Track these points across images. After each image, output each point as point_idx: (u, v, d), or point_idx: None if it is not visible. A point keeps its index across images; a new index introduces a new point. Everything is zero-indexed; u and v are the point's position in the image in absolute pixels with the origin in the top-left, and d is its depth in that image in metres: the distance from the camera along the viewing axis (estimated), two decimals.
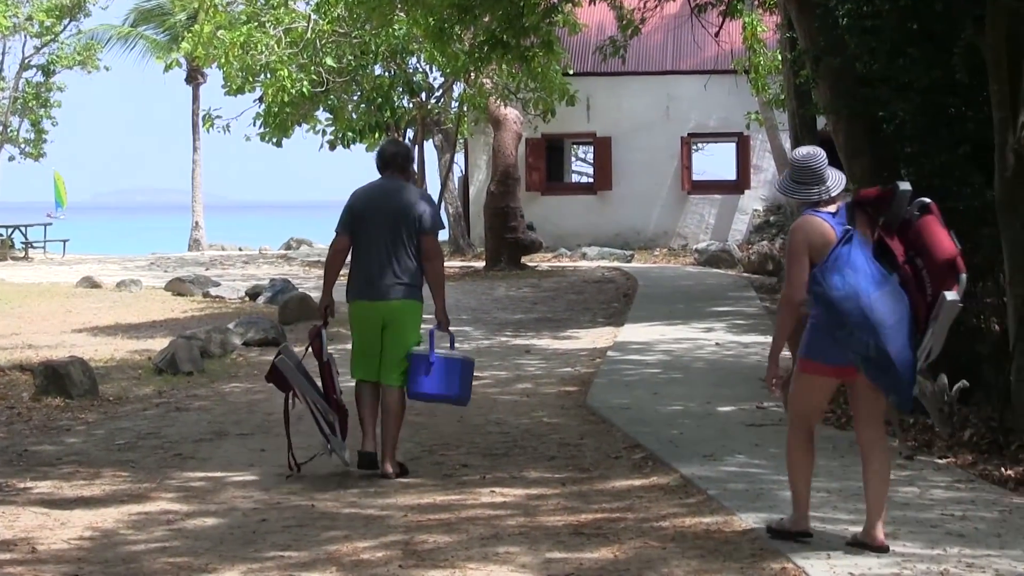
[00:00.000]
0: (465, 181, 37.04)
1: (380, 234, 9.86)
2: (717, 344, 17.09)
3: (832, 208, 7.63)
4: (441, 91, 34.37)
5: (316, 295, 21.66)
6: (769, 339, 17.68)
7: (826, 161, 7.74)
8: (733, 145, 36.29)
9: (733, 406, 12.27)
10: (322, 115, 32.87)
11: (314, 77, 30.28)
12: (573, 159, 44.34)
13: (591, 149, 38.88)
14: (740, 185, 35.09)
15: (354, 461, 9.89)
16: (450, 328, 10.13)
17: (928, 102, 11.94)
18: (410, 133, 34.58)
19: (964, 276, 7.52)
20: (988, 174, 10.88)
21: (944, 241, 7.51)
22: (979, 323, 12.82)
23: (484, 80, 29.64)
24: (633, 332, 18.71)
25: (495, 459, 10.48)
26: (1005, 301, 11.10)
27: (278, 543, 7.96)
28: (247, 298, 24.64)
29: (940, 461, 10.15)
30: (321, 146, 33.20)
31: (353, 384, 10.11)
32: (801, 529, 7.68)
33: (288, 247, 42.54)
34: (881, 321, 7.39)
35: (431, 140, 35.99)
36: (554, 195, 36.31)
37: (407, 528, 8.25)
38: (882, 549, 7.43)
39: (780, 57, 22.30)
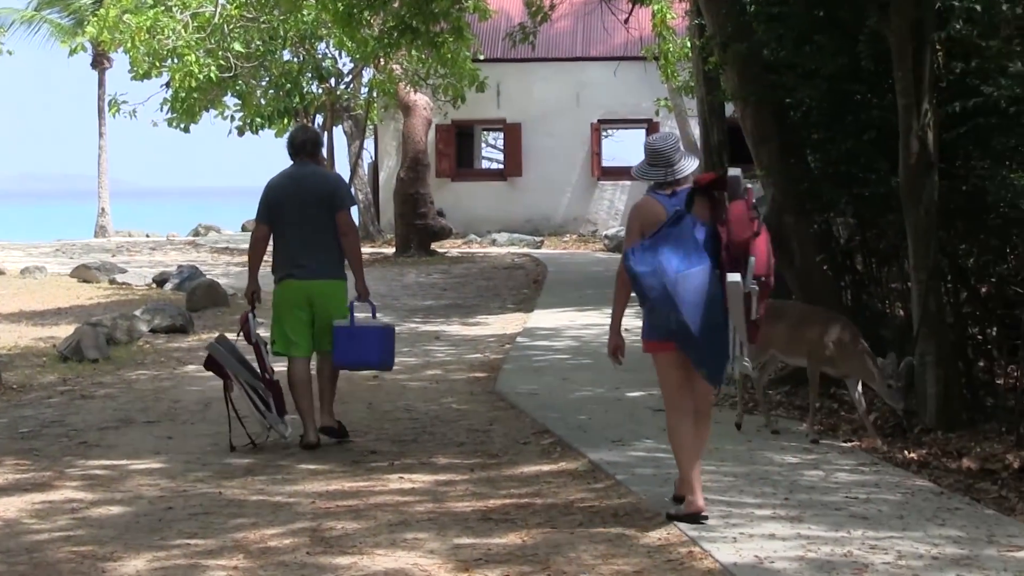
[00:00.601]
0: (375, 167, 36.91)
1: (299, 218, 10.41)
2: (626, 330, 17.04)
3: (669, 191, 8.00)
4: (350, 77, 34.20)
5: (224, 281, 21.68)
6: None
7: (678, 146, 8.11)
8: (643, 131, 36.40)
9: (641, 391, 12.30)
10: (230, 100, 32.57)
11: (222, 62, 30.00)
12: (483, 145, 44.33)
13: (501, 135, 38.85)
14: None
15: (292, 436, 10.49)
16: (370, 299, 10.72)
17: (834, 89, 12.03)
18: (319, 119, 34.37)
19: (752, 259, 7.82)
20: (893, 161, 10.98)
21: (741, 225, 7.86)
22: (884, 308, 12.96)
23: (394, 66, 29.52)
24: (542, 318, 18.74)
25: (404, 445, 10.46)
26: (909, 286, 11.22)
27: (184, 531, 7.90)
28: (154, 285, 24.41)
29: (845, 445, 10.26)
30: (230, 132, 32.91)
31: (286, 368, 10.69)
32: (695, 511, 7.84)
33: (196, 233, 42.20)
34: (684, 299, 7.75)
35: (340, 126, 35.81)
36: (464, 181, 36.27)
37: (315, 515, 8.22)
38: (682, 502, 7.88)
39: (689, 44, 22.37)
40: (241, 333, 10.60)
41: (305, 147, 10.61)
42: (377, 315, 10.98)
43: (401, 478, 9.25)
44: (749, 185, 8.02)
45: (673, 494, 8.16)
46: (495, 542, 7.51)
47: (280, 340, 10.58)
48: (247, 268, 10.86)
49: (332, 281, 10.47)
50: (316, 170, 10.69)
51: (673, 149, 8.03)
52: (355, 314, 10.58)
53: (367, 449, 10.31)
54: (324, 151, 9.95)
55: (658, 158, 8.02)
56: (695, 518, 7.79)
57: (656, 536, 7.54)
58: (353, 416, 11.60)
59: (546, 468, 9.52)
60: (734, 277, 7.79)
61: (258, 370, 10.54)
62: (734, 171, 7.99)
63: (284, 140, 10.75)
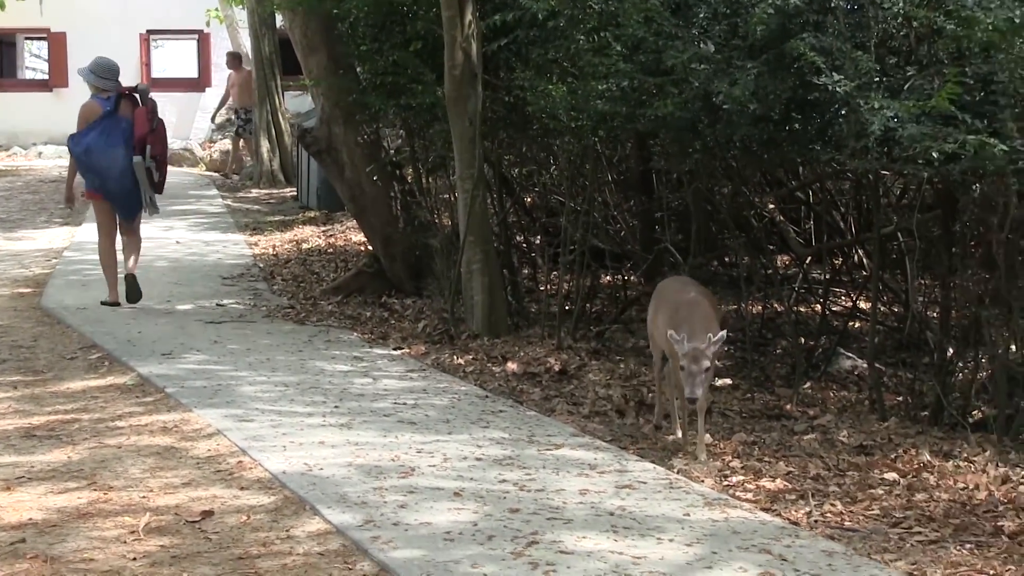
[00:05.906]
0: None
1: None
2: (178, 242, 16.91)
3: (105, 95, 12.29)
4: None
5: None
6: (229, 235, 17.70)
7: (111, 68, 12.40)
8: (194, 42, 35.85)
9: (192, 304, 12.21)
10: None
11: None
12: (27, 55, 42.74)
13: (45, 45, 37.54)
14: (201, 83, 34.72)
15: None
16: None
17: (380, 0, 12.10)
18: None
19: (149, 147, 12.23)
20: (439, 72, 11.14)
21: (141, 124, 12.19)
22: (433, 218, 13.20)
23: None
24: (91, 232, 18.14)
25: None
26: (456, 196, 11.44)
27: None
28: None
29: (395, 352, 10.42)
30: None
31: None
32: (113, 300, 12.33)
33: None
34: (104, 168, 12.18)
35: None
36: (6, 92, 34.94)
37: None
38: (131, 280, 12.23)
39: None
40: None
41: None
42: None
43: None
44: (152, 96, 12.43)
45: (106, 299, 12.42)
46: (39, 459, 7.31)
47: None
48: None
49: None
50: None
51: (116, 69, 12.40)
52: None
53: None
54: None
55: (108, 73, 12.34)
56: (114, 305, 12.23)
57: (205, 448, 7.49)
58: None
59: (93, 383, 9.33)
60: (137, 159, 12.16)
61: None
62: (143, 85, 12.63)
63: None
